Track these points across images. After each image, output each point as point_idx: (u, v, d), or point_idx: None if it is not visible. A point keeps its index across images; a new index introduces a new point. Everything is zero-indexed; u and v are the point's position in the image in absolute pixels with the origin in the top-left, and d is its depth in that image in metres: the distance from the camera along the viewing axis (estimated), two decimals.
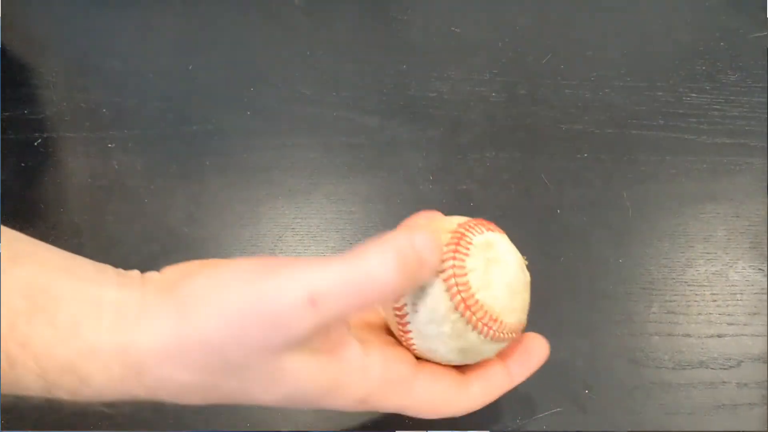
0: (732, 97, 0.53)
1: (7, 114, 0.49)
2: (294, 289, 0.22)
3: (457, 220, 0.29)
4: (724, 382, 0.39)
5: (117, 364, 0.22)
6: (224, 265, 0.24)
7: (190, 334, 0.22)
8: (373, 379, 0.26)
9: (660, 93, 0.53)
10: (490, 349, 0.28)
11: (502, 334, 0.27)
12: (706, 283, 0.43)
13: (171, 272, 0.26)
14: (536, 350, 0.30)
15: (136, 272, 0.25)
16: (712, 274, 0.43)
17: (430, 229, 0.28)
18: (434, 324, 0.27)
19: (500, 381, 0.29)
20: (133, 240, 0.43)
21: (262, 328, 0.22)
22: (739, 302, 0.42)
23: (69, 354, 0.22)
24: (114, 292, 0.23)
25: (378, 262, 0.23)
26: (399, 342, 0.29)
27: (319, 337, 0.24)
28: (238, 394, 0.24)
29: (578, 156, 0.49)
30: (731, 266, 0.44)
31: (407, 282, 0.24)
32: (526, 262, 0.29)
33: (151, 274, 0.26)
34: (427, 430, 0.34)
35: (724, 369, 0.39)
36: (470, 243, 0.27)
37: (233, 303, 0.23)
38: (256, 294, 0.23)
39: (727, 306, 0.42)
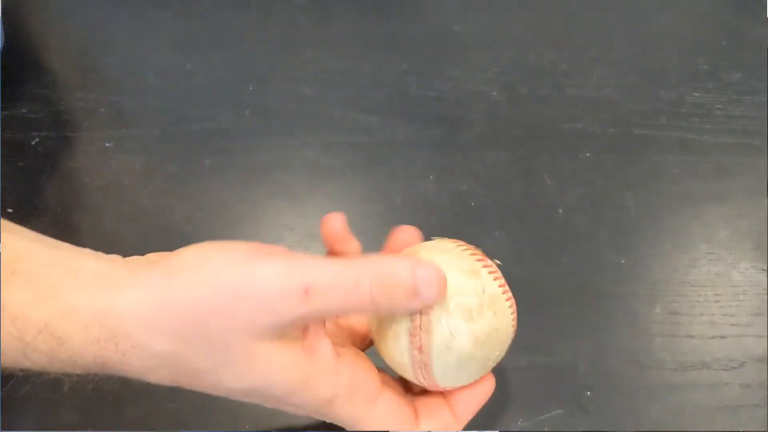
0: (735, 97, 0.53)
1: (5, 113, 0.49)
2: (291, 275, 0.23)
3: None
4: (726, 383, 0.38)
5: (96, 324, 0.22)
6: (216, 244, 0.25)
7: (178, 297, 0.23)
8: (342, 381, 0.26)
9: (662, 92, 0.53)
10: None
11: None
12: (708, 284, 0.42)
13: (153, 255, 0.26)
14: (480, 388, 0.30)
15: (116, 255, 0.26)
16: (715, 274, 0.43)
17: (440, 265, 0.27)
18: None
19: (447, 421, 0.29)
20: (131, 240, 0.43)
21: (252, 307, 0.23)
22: (742, 303, 0.42)
23: (47, 314, 0.22)
24: (93, 263, 0.24)
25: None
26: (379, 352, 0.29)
27: (297, 331, 0.25)
28: (207, 377, 0.24)
29: (580, 155, 0.48)
30: (734, 267, 0.43)
31: (394, 308, 0.25)
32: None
33: (134, 257, 0.26)
34: None
35: (727, 370, 0.39)
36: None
37: (227, 277, 0.23)
38: (251, 273, 0.23)
39: (730, 307, 0.41)
